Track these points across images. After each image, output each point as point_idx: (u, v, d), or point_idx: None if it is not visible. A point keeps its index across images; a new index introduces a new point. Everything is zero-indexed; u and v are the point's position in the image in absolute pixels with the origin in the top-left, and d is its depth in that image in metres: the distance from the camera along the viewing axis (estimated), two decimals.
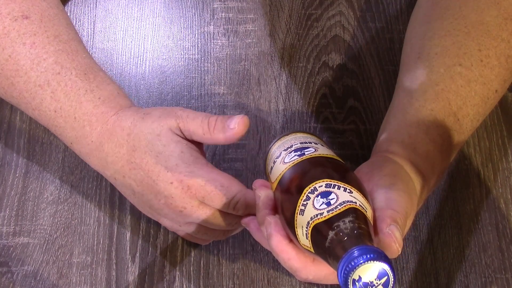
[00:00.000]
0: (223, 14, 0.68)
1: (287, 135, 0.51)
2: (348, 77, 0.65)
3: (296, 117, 0.63)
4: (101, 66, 0.53)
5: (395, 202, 0.41)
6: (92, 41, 0.66)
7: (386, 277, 0.34)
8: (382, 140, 0.52)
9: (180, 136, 0.48)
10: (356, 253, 0.34)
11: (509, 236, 0.58)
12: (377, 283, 0.34)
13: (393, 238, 0.39)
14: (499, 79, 0.52)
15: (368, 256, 0.34)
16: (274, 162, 0.48)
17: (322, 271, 0.42)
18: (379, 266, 0.34)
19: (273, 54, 0.66)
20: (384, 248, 0.39)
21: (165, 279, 0.56)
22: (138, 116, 0.49)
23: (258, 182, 0.46)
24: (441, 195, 0.60)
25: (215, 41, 0.67)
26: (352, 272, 0.34)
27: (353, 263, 0.34)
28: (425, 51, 0.53)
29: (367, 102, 0.64)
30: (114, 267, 0.56)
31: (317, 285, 0.56)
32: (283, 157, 0.47)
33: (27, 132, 0.61)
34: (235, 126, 0.47)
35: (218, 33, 0.67)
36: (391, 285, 0.35)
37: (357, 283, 0.34)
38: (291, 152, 0.46)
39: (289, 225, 0.40)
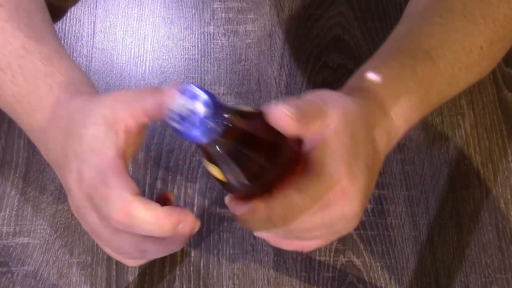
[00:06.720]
0: (223, 14, 0.68)
1: None
2: (348, 77, 0.65)
3: None
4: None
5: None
6: (92, 41, 0.66)
7: (199, 95, 0.31)
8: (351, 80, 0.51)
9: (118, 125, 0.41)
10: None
11: (509, 236, 0.58)
12: (192, 105, 0.31)
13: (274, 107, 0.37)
14: (485, 37, 0.49)
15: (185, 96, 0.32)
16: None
17: (283, 200, 0.38)
18: (190, 93, 0.32)
19: (273, 54, 0.66)
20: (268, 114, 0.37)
21: (165, 279, 0.56)
22: (84, 99, 0.44)
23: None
24: (441, 195, 0.60)
25: (215, 41, 0.67)
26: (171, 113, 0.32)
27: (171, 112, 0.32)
28: (408, 12, 0.54)
29: None
30: (114, 267, 0.56)
31: (318, 286, 0.56)
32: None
33: None
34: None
35: (218, 33, 0.67)
36: (208, 97, 0.32)
37: (173, 116, 0.32)
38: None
39: (222, 184, 0.39)
